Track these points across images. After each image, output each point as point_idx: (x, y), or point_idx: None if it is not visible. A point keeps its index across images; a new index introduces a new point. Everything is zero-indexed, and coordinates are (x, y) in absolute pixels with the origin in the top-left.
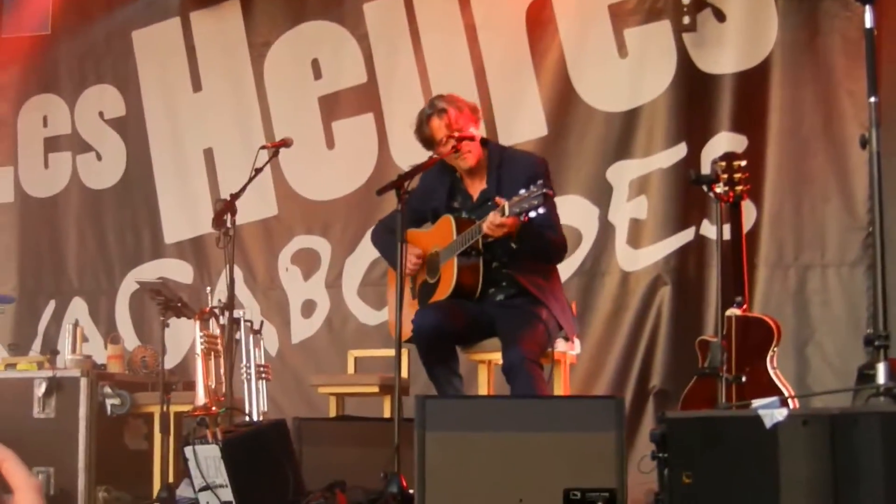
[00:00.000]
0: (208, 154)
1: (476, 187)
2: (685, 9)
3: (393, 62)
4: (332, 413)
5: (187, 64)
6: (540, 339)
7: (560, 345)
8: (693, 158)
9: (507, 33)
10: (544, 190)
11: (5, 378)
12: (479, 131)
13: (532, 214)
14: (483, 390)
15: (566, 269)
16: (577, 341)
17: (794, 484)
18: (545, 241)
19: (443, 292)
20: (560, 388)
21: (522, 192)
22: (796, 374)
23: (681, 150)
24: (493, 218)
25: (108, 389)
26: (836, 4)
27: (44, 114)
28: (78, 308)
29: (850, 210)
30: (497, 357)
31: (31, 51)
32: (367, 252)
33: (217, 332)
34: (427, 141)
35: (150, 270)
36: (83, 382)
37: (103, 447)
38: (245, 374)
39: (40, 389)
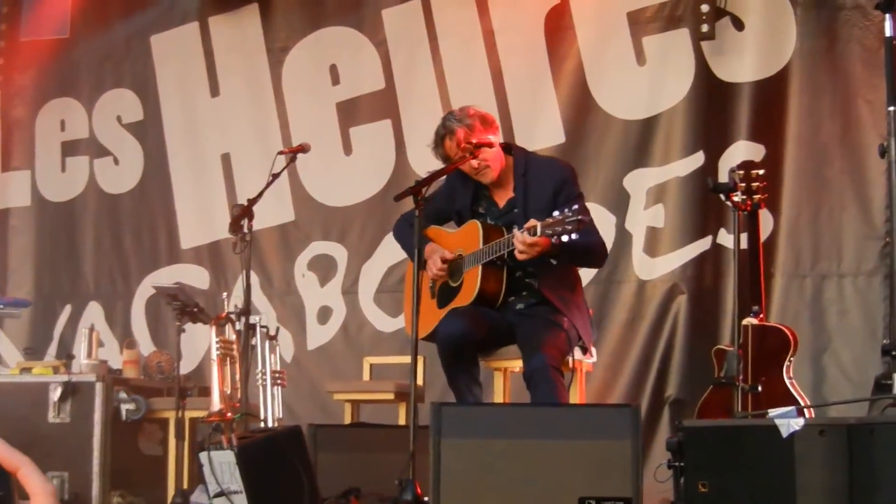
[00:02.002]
0: (226, 159)
1: (502, 194)
2: (704, 17)
3: (411, 68)
4: (348, 420)
5: (205, 68)
6: (562, 346)
7: (577, 353)
8: (711, 167)
9: (525, 40)
10: (580, 217)
11: (21, 382)
12: (497, 147)
13: (565, 239)
14: (499, 398)
15: (583, 277)
16: (593, 349)
17: (811, 493)
18: (587, 250)
19: (464, 298)
20: (576, 396)
21: (557, 214)
22: (812, 384)
23: (698, 159)
24: (524, 237)
25: (123, 394)
26: (856, 13)
27: (61, 117)
28: (94, 312)
29: (867, 219)
30: (514, 365)
31: (49, 54)
32: (383, 258)
33: (233, 337)
34: (445, 159)
35: (167, 275)
36: (98, 387)
37: (118, 452)
38: (260, 380)
39: (55, 394)
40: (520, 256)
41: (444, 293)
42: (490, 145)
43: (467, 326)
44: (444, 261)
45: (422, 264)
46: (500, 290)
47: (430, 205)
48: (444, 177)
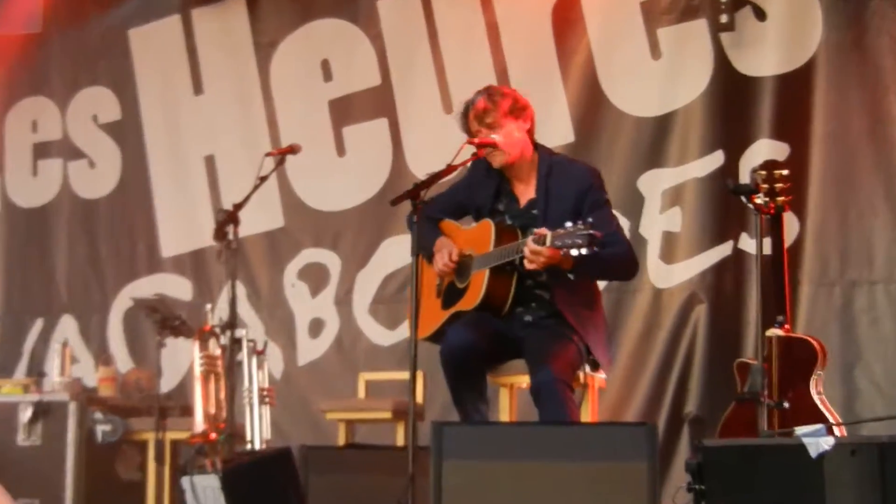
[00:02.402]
0: (210, 161)
1: (524, 192)
2: (723, 6)
3: (409, 63)
4: (342, 440)
5: (188, 65)
6: (572, 360)
7: (588, 368)
8: (731, 167)
9: (531, 32)
10: (591, 232)
11: None
12: (518, 132)
13: (574, 253)
14: (504, 417)
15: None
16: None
17: None
18: (608, 266)
19: (469, 302)
20: (587, 413)
21: (569, 225)
22: (843, 400)
23: (718, 158)
24: (532, 246)
25: (98, 415)
26: (886, 3)
27: (33, 118)
28: (67, 327)
29: None
30: (521, 380)
31: (19, 50)
32: (379, 266)
33: (217, 352)
34: (468, 133)
35: (146, 286)
36: (72, 407)
37: (93, 477)
38: (247, 399)
39: (26, 415)
40: (528, 266)
41: (450, 293)
42: (493, 145)
43: (474, 337)
44: (451, 258)
45: (429, 258)
46: (507, 297)
47: (448, 197)
48: (467, 166)
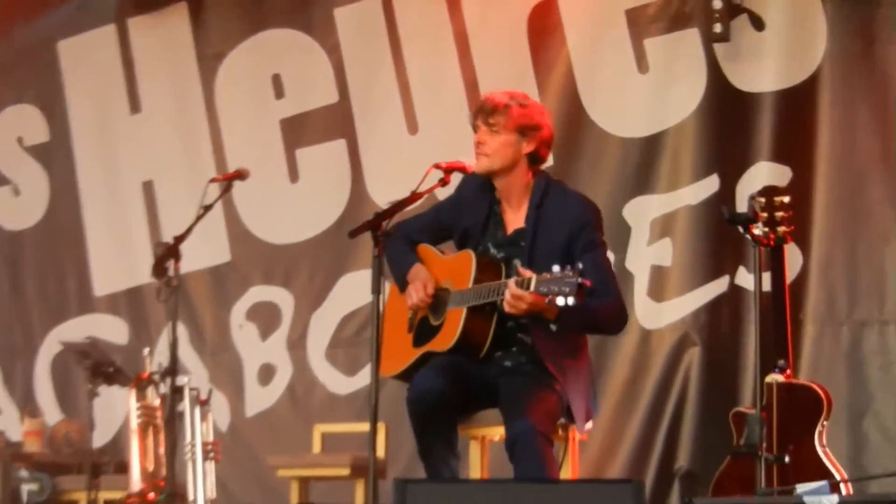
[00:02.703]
0: (148, 188)
1: (513, 220)
2: (717, 15)
3: (370, 78)
4: (294, 500)
5: (124, 80)
6: (552, 410)
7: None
8: (727, 193)
9: (504, 42)
10: (580, 280)
11: None
12: (513, 148)
13: (559, 302)
14: (476, 472)
15: None
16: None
17: None
18: (598, 316)
19: (443, 342)
20: (567, 468)
21: (556, 269)
22: (850, 453)
23: (712, 184)
24: (514, 290)
25: (24, 472)
26: None
27: None
28: None
29: None
30: (493, 432)
31: None
32: (337, 306)
33: (156, 402)
34: (472, 125)
35: (77, 328)
36: None
37: None
38: (189, 454)
39: None
40: (507, 309)
41: (423, 330)
42: (463, 169)
43: (447, 383)
44: (427, 293)
45: (402, 286)
46: (485, 340)
47: (430, 217)
48: (459, 183)
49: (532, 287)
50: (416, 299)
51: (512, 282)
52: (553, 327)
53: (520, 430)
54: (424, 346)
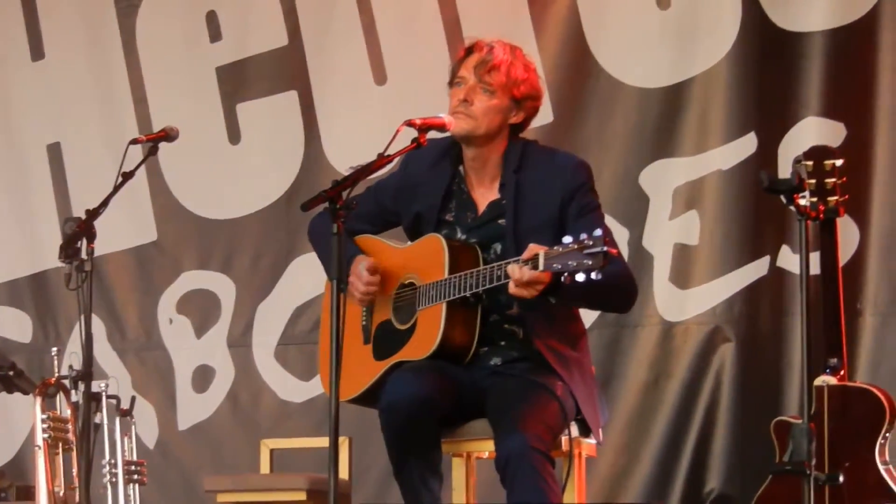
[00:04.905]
0: (54, 151)
1: (484, 195)
2: None
3: (326, 16)
4: None
5: (23, 22)
6: (552, 422)
7: (574, 430)
8: (767, 156)
9: None
10: (604, 248)
11: None
12: (499, 114)
13: (580, 278)
14: (459, 496)
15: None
16: (600, 432)
17: None
18: (610, 291)
19: (419, 349)
20: (573, 491)
21: (568, 241)
22: None
23: (749, 144)
24: (522, 271)
25: None
26: None
27: None
28: None
29: None
30: (482, 448)
31: None
32: (289, 295)
33: (67, 413)
34: (451, 73)
35: None
36: None
37: None
38: (108, 476)
39: None
40: (514, 292)
41: (385, 338)
42: (442, 126)
43: (428, 388)
44: (371, 275)
45: (342, 287)
46: (471, 340)
47: (368, 200)
48: (402, 156)
49: (541, 265)
50: (360, 292)
51: (517, 264)
52: (552, 300)
53: (513, 446)
54: (393, 357)
